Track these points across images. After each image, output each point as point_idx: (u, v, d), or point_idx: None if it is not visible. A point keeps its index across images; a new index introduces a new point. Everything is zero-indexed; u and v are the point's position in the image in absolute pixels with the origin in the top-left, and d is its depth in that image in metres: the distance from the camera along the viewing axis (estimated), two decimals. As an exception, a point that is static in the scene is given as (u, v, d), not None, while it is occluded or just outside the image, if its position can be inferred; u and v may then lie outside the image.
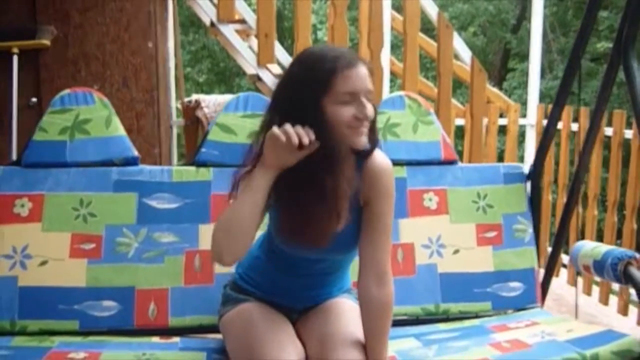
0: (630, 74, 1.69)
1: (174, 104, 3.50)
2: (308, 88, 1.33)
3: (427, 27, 4.21)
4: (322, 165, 1.33)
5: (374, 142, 1.44)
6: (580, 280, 3.19)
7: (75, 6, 2.92)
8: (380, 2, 3.25)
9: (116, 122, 1.83)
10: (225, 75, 11.36)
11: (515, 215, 1.92)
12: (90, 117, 1.81)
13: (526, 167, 2.00)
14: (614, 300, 3.09)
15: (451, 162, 1.94)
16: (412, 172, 1.90)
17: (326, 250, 1.44)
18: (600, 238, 3.26)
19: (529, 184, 1.97)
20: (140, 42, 2.98)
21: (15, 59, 2.81)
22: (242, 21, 3.43)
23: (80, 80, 2.94)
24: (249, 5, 3.77)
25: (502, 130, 3.74)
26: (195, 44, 10.90)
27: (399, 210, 1.73)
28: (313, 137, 1.31)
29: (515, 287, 1.87)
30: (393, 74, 3.96)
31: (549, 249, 2.12)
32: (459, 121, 3.53)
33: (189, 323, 1.73)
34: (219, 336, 1.57)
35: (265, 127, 1.37)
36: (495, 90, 4.13)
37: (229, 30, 3.32)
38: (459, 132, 3.64)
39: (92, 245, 1.73)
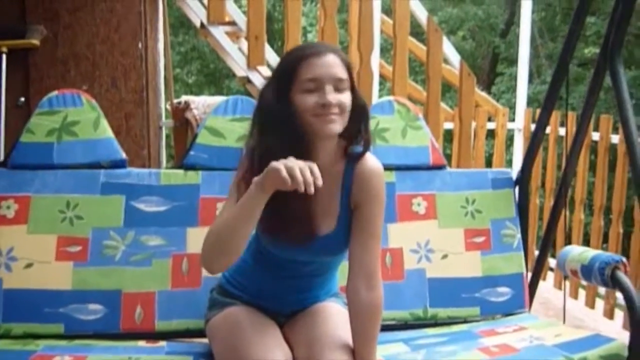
0: (617, 79, 1.70)
1: (164, 105, 3.49)
2: (277, 81, 1.38)
3: (417, 31, 4.23)
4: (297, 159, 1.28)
5: (366, 144, 1.44)
6: (566, 284, 3.21)
7: (65, 6, 2.90)
8: (370, 5, 3.25)
9: (104, 124, 1.82)
10: (214, 76, 11.33)
11: (503, 221, 1.92)
12: (78, 119, 1.79)
13: (514, 172, 2.01)
14: (600, 303, 3.11)
15: (440, 167, 1.94)
16: (401, 176, 1.90)
17: (315, 252, 1.44)
18: (586, 242, 3.29)
19: (517, 189, 1.98)
20: (130, 42, 2.97)
21: (4, 58, 2.79)
22: (232, 23, 3.41)
23: (70, 80, 2.92)
24: (239, 7, 3.76)
25: (491, 134, 3.77)
26: (185, 45, 10.87)
27: (388, 215, 1.73)
28: (320, 181, 1.25)
29: (503, 292, 1.88)
30: (382, 77, 3.97)
31: (536, 253, 2.13)
32: (448, 125, 3.55)
33: (175, 327, 1.71)
34: (205, 340, 1.56)
35: (251, 131, 1.40)
36: (483, 94, 4.16)
37: (219, 32, 3.31)
38: (448, 135, 3.66)
39: (79, 248, 1.72)
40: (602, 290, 3.09)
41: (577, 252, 1.74)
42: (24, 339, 1.63)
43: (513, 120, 3.83)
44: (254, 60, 3.22)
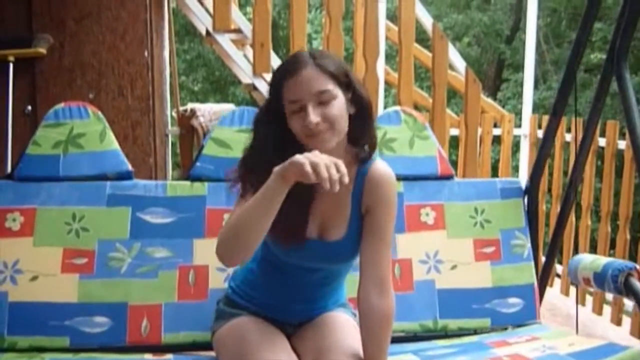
0: (623, 84, 1.69)
1: (170, 113, 3.49)
2: (270, 103, 1.40)
3: (422, 38, 4.22)
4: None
5: (372, 146, 1.43)
6: (573, 290, 3.19)
7: (71, 15, 2.91)
8: (376, 12, 3.25)
9: (110, 136, 1.81)
10: (220, 84, 11.33)
11: (513, 231, 1.90)
12: (85, 131, 1.79)
13: (521, 178, 2.00)
14: (607, 310, 3.09)
15: (448, 177, 1.93)
16: (409, 187, 1.88)
17: (325, 258, 1.43)
18: (593, 248, 3.27)
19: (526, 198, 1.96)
20: (136, 50, 2.97)
21: (11, 67, 2.80)
22: (238, 30, 3.41)
23: (76, 88, 2.93)
24: (245, 14, 3.75)
25: (497, 140, 3.75)
26: (191, 53, 10.88)
27: (396, 225, 1.71)
28: (346, 178, 1.20)
29: (514, 303, 1.85)
30: (388, 83, 3.96)
31: (543, 259, 2.11)
32: (454, 131, 3.54)
33: (182, 339, 1.70)
34: (212, 353, 1.55)
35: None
36: (489, 100, 4.15)
37: (224, 39, 3.31)
38: (454, 142, 3.65)
39: (84, 260, 1.71)
40: (609, 296, 3.07)
41: (589, 260, 1.73)
42: (29, 352, 1.62)
43: (519, 126, 3.82)
44: (259, 67, 3.22)
